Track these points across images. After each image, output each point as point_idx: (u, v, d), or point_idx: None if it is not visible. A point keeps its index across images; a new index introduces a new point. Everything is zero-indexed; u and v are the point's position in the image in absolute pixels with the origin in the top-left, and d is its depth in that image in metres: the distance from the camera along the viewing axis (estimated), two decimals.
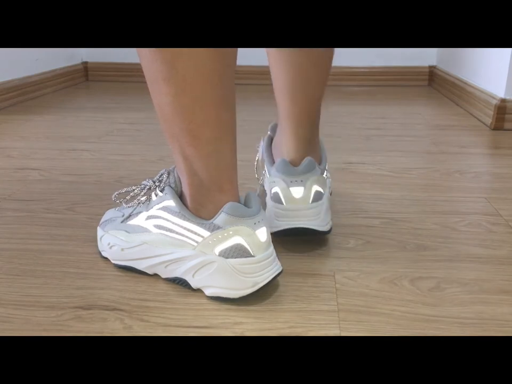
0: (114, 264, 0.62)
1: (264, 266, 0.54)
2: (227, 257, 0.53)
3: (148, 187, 0.60)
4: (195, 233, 0.54)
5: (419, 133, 1.26)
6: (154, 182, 0.59)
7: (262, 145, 0.75)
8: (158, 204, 0.58)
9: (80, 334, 0.50)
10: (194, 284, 0.56)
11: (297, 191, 0.63)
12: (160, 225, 0.57)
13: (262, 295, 0.56)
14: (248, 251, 0.53)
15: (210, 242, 0.54)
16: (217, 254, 0.53)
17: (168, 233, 0.56)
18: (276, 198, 0.64)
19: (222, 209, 0.53)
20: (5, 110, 1.53)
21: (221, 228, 0.53)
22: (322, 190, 0.65)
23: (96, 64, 2.12)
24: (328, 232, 0.65)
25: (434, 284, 0.58)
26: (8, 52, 1.62)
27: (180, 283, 0.57)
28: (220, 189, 0.54)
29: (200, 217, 0.55)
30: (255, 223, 0.53)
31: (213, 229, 0.53)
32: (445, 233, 0.71)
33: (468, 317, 0.52)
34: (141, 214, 0.60)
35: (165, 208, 0.57)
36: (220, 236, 0.53)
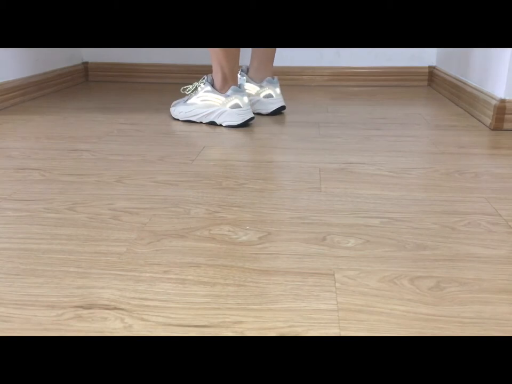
0: (182, 120, 1.37)
1: (246, 112, 1.27)
2: (231, 108, 1.27)
3: (196, 85, 1.34)
4: (219, 99, 1.29)
5: (419, 133, 1.26)
6: (199, 82, 1.34)
7: (240, 76, 1.48)
8: (202, 90, 1.32)
9: (81, 333, 0.50)
10: (218, 121, 1.30)
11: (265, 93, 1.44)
12: (203, 99, 1.31)
13: (262, 294, 0.56)
14: (240, 106, 1.26)
15: (225, 102, 1.27)
16: (228, 107, 1.27)
17: (206, 101, 1.31)
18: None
19: (230, 88, 1.27)
20: (5, 110, 1.53)
21: (229, 96, 1.26)
22: (279, 91, 1.46)
23: (96, 64, 2.12)
24: (284, 107, 1.46)
25: (434, 283, 0.58)
26: (8, 52, 1.63)
27: (212, 123, 1.32)
28: (230, 80, 1.29)
29: (221, 93, 1.30)
30: (242, 95, 1.26)
31: (226, 96, 1.27)
32: (444, 232, 0.71)
33: (468, 316, 0.52)
34: (193, 97, 1.34)
35: (206, 91, 1.31)
36: (229, 100, 1.26)
